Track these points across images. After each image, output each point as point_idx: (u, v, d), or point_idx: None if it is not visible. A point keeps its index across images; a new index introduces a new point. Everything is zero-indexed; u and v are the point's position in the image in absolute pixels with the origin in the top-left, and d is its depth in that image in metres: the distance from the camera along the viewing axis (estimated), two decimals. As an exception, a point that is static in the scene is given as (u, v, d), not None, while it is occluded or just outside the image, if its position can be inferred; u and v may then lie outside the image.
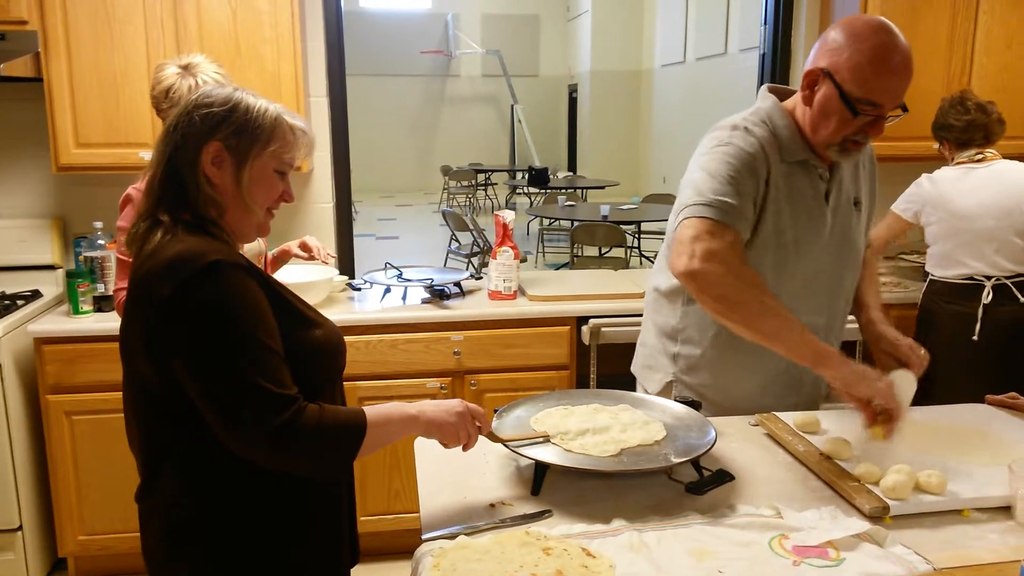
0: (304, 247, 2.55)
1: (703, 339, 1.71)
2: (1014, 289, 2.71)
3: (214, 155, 1.25)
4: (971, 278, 2.75)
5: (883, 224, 3.00)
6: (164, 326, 1.16)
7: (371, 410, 1.26)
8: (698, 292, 1.51)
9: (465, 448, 1.33)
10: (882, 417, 1.41)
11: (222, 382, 1.15)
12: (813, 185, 1.63)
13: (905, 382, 1.55)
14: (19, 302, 2.80)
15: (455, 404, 1.32)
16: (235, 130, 1.25)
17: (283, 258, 2.55)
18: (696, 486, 1.30)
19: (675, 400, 1.56)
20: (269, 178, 1.29)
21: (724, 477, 1.34)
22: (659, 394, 1.78)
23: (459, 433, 1.31)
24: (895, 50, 1.47)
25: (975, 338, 2.68)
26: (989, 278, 2.73)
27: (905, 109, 1.53)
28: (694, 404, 1.53)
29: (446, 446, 1.32)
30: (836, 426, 1.55)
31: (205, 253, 1.17)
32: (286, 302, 1.29)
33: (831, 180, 1.64)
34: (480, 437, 1.34)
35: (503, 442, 1.36)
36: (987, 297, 2.71)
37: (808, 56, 1.59)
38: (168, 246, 1.19)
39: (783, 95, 1.68)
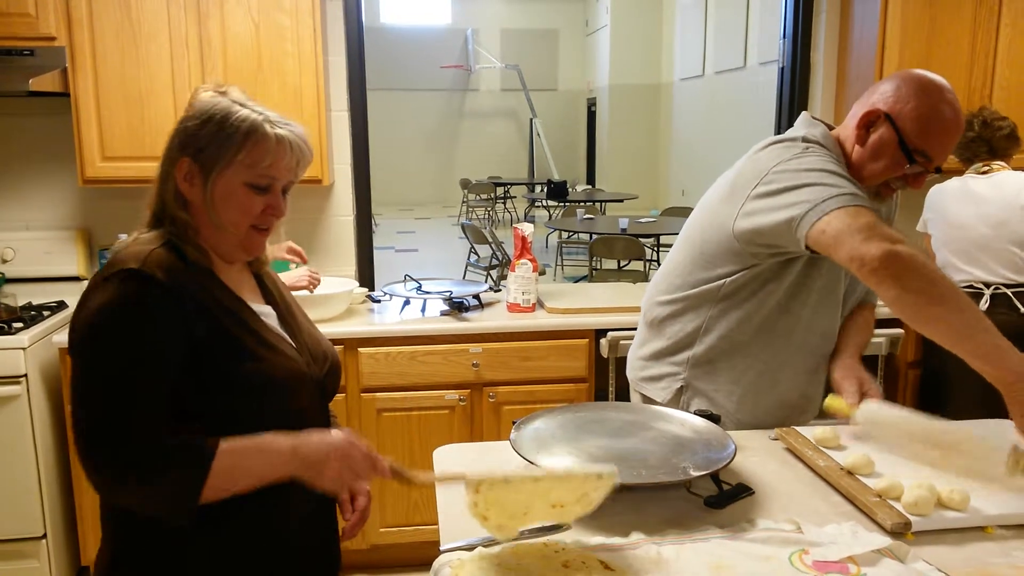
0: (291, 251, 2.60)
1: (726, 343, 1.70)
2: (1014, 299, 2.72)
3: (186, 172, 1.22)
4: (971, 286, 2.80)
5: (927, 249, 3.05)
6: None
7: (235, 440, 1.13)
8: (901, 275, 1.34)
9: (347, 532, 1.31)
10: None
11: (75, 398, 1.12)
12: None
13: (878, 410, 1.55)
14: (44, 313, 2.84)
15: (340, 442, 1.18)
16: (203, 143, 1.21)
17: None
18: (715, 500, 1.30)
19: (693, 413, 1.55)
20: (238, 193, 1.22)
21: (743, 491, 1.33)
22: (667, 403, 1.77)
23: (341, 477, 1.18)
24: (954, 110, 1.52)
25: None
26: (988, 286, 2.77)
27: (939, 171, 1.56)
28: (713, 417, 1.53)
29: (323, 491, 1.19)
30: (857, 441, 1.54)
31: (126, 260, 1.14)
32: (224, 331, 1.19)
33: None
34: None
35: (410, 481, 1.24)
36: (984, 305, 2.73)
37: (860, 99, 1.60)
38: (119, 252, 1.19)
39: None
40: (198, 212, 1.23)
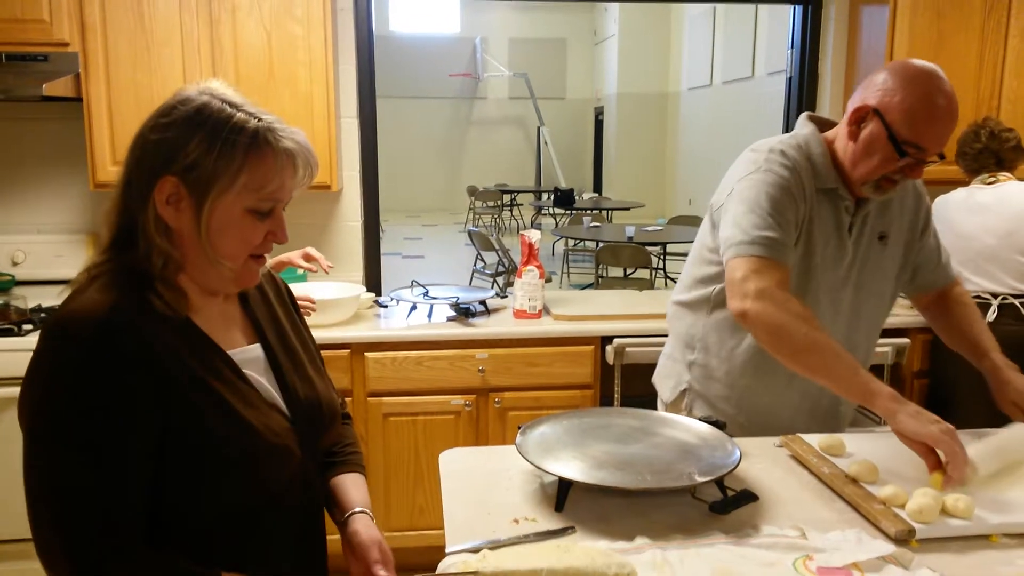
0: (307, 257, 2.61)
1: (721, 350, 1.73)
2: (1021, 309, 2.73)
3: (169, 193, 1.00)
4: (978, 296, 2.80)
5: None
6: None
7: None
8: (752, 331, 1.55)
9: None
10: (945, 465, 1.32)
11: (36, 484, 0.96)
12: (837, 216, 1.65)
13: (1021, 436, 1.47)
14: (50, 315, 2.85)
15: None
16: (194, 160, 0.99)
17: (277, 268, 2.59)
18: (720, 506, 1.30)
19: (697, 418, 1.56)
20: (239, 222, 1.03)
21: (748, 497, 1.33)
22: (672, 402, 1.83)
23: None
24: (946, 97, 1.50)
25: None
26: (996, 296, 2.78)
27: (942, 156, 1.56)
28: (719, 424, 1.53)
29: None
30: (862, 449, 1.54)
31: (81, 319, 0.97)
32: (195, 408, 1.01)
33: (856, 214, 1.67)
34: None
35: None
36: (992, 315, 2.74)
37: (854, 93, 1.61)
38: (71, 299, 1.02)
39: (823, 125, 1.70)
40: (185, 242, 1.03)
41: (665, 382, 1.87)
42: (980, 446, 1.38)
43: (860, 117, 1.57)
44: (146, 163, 1.01)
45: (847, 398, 1.48)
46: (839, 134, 1.64)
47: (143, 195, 1.01)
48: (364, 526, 1.23)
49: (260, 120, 1.03)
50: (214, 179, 1.00)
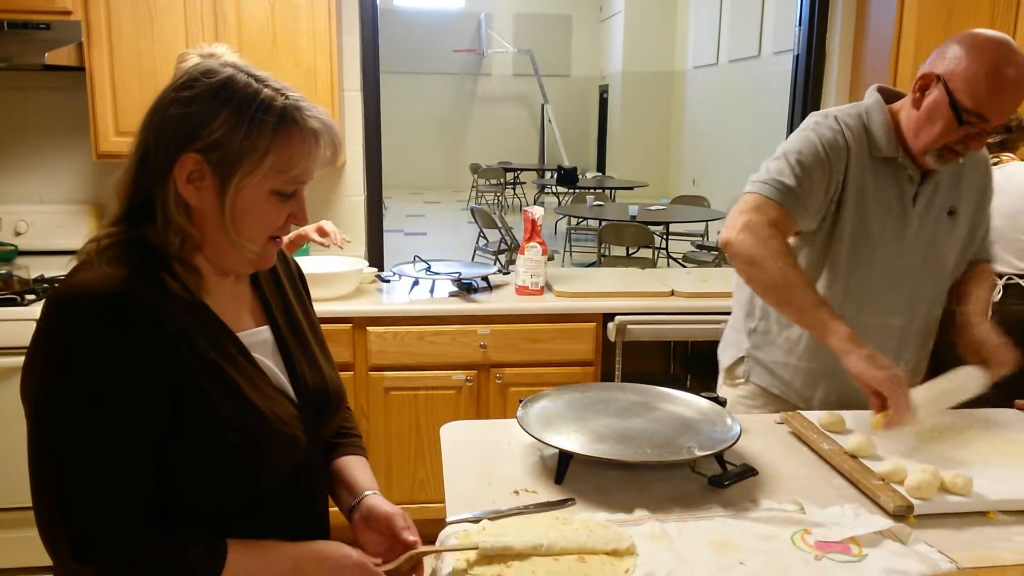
0: (321, 232, 2.60)
1: (781, 316, 1.73)
2: None
3: (191, 170, 0.97)
4: None
5: None
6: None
7: (241, 550, 0.99)
8: (732, 260, 1.61)
9: None
10: (889, 408, 1.41)
11: (33, 460, 0.93)
12: (899, 185, 1.65)
13: (966, 379, 1.55)
14: (56, 285, 2.86)
15: (345, 566, 1.03)
16: (219, 138, 0.95)
17: (298, 242, 2.59)
18: (719, 480, 1.31)
19: (701, 396, 1.56)
20: (263, 204, 1.00)
21: (747, 472, 1.34)
22: (728, 369, 1.86)
23: None
24: (1016, 68, 1.48)
25: None
26: (1001, 276, 2.78)
27: (1009, 130, 1.55)
28: (720, 401, 1.54)
29: None
30: (861, 425, 1.55)
31: (89, 296, 0.94)
32: (203, 393, 0.97)
33: (922, 184, 1.66)
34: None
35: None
36: (997, 295, 2.74)
37: (926, 62, 1.60)
38: (78, 271, 0.99)
39: (891, 97, 1.69)
40: (205, 221, 1.00)
41: (726, 351, 1.90)
42: (923, 392, 1.46)
43: (925, 84, 1.57)
44: (166, 138, 0.97)
45: (808, 332, 1.55)
46: (904, 103, 1.64)
47: (162, 171, 0.97)
48: (381, 501, 1.21)
49: (287, 98, 0.99)
50: (240, 159, 0.96)
